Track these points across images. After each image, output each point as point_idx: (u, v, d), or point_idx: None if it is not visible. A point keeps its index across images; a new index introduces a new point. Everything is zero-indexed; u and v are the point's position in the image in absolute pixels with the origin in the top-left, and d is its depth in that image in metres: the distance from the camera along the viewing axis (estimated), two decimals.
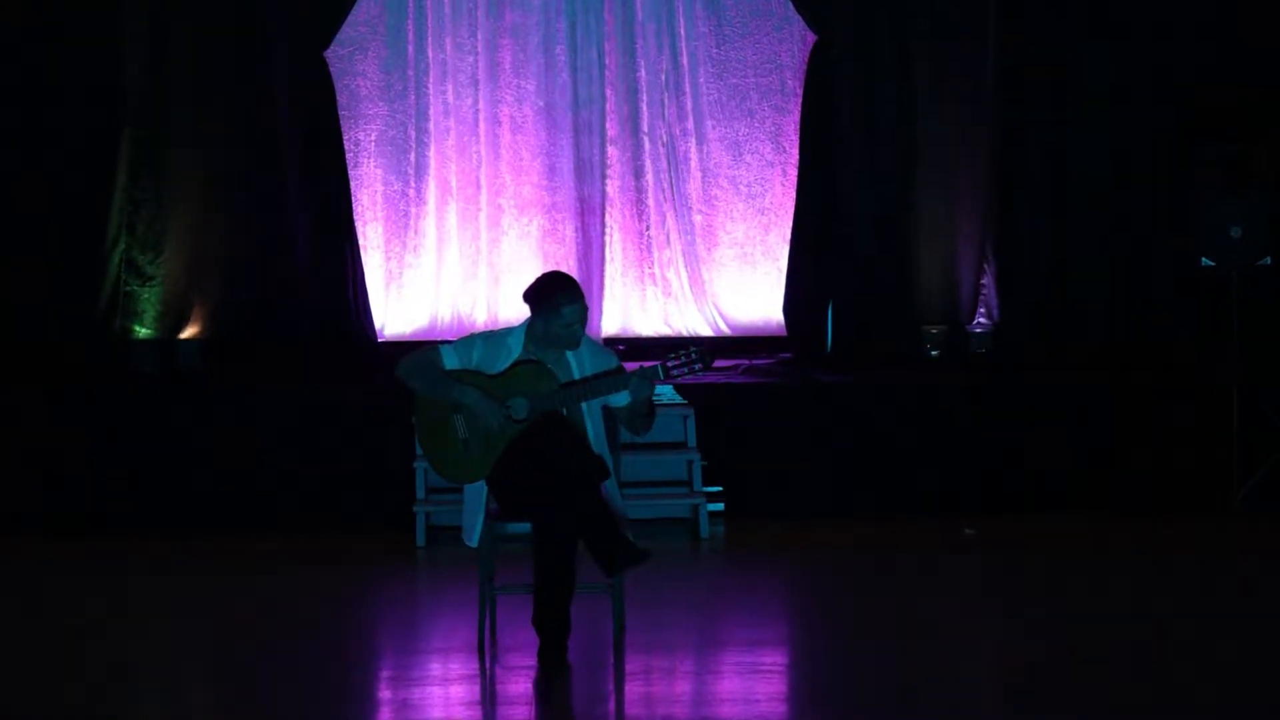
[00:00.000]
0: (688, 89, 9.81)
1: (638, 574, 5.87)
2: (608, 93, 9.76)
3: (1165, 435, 8.77)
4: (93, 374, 9.04)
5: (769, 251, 9.89)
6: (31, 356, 9.07)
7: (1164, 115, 9.40)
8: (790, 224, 9.66)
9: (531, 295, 5.83)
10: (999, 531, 8.25)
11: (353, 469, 8.54)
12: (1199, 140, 9.32)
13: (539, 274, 6.02)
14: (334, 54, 9.54)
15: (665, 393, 8.56)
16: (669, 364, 5.79)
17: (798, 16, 9.65)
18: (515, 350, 5.84)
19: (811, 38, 9.59)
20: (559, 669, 5.67)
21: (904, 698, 5.42)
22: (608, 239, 9.84)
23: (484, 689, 5.66)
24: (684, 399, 8.55)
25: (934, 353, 9.46)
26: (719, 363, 8.90)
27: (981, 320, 9.59)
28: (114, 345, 9.29)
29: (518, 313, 9.45)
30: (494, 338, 5.92)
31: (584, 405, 5.85)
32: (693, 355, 5.78)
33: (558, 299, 5.76)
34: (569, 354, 5.87)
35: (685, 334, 9.79)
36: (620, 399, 5.87)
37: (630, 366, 5.92)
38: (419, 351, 5.89)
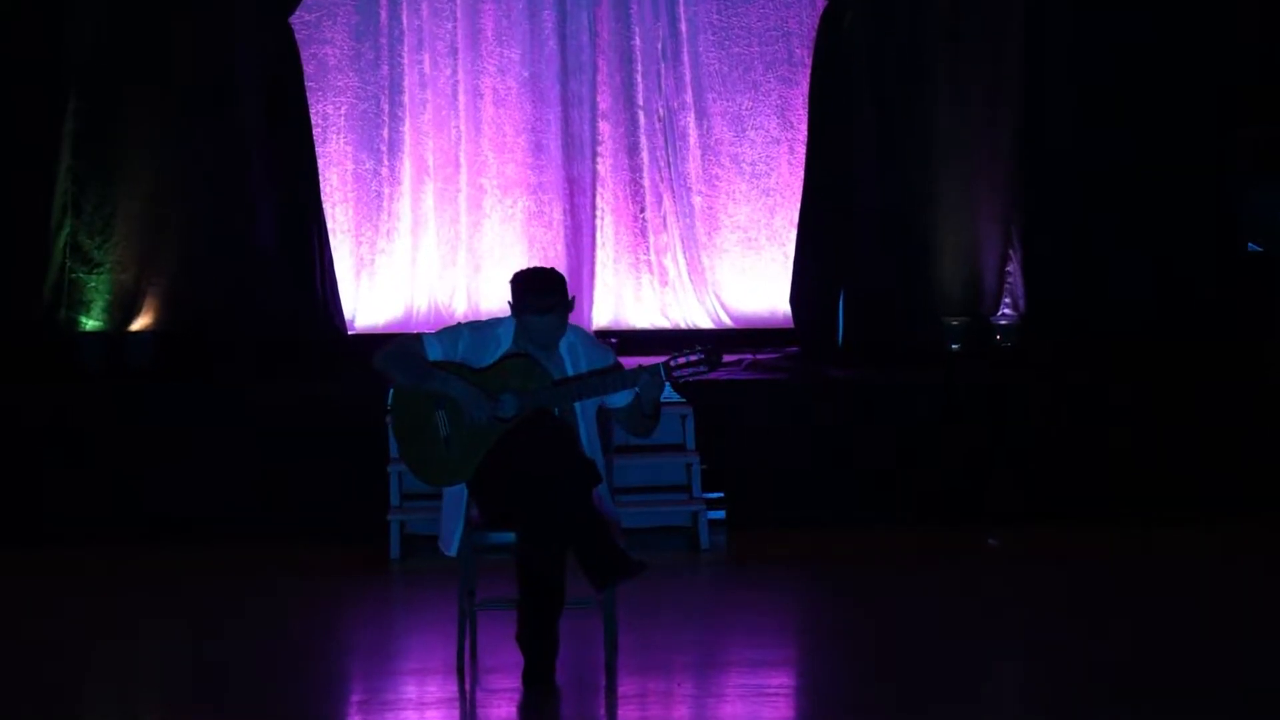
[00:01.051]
0: (686, 59, 9.78)
1: (632, 588, 5.83)
2: (599, 62, 9.74)
3: (1207, 435, 8.75)
4: (34, 370, 8.98)
5: (774, 236, 9.86)
6: None
7: (1200, 93, 9.36)
8: (798, 206, 9.63)
9: (512, 285, 5.79)
10: (1025, 541, 8.24)
11: (320, 473, 8.50)
12: (1236, 122, 9.29)
13: (527, 266, 5.97)
14: (299, 20, 9.51)
15: None
16: (673, 363, 5.71)
17: None
18: (505, 342, 5.82)
19: (822, 3, 9.58)
20: (545, 692, 5.64)
21: None
22: (599, 222, 9.82)
23: (463, 714, 5.64)
24: (682, 397, 8.52)
25: (955, 347, 9.43)
26: None
27: (1006, 311, 9.56)
28: (58, 339, 9.23)
29: (501, 303, 9.50)
30: (481, 328, 5.89)
31: (577, 405, 5.81)
32: (699, 355, 5.70)
33: (527, 302, 5.71)
34: (563, 348, 5.84)
35: (683, 326, 9.79)
36: (618, 399, 5.84)
37: (627, 364, 5.86)
38: (399, 340, 5.88)
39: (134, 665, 6.31)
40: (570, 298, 5.77)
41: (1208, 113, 9.37)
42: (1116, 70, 9.42)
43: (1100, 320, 9.41)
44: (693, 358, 5.69)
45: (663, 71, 9.80)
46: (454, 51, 9.75)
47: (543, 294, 5.72)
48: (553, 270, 5.87)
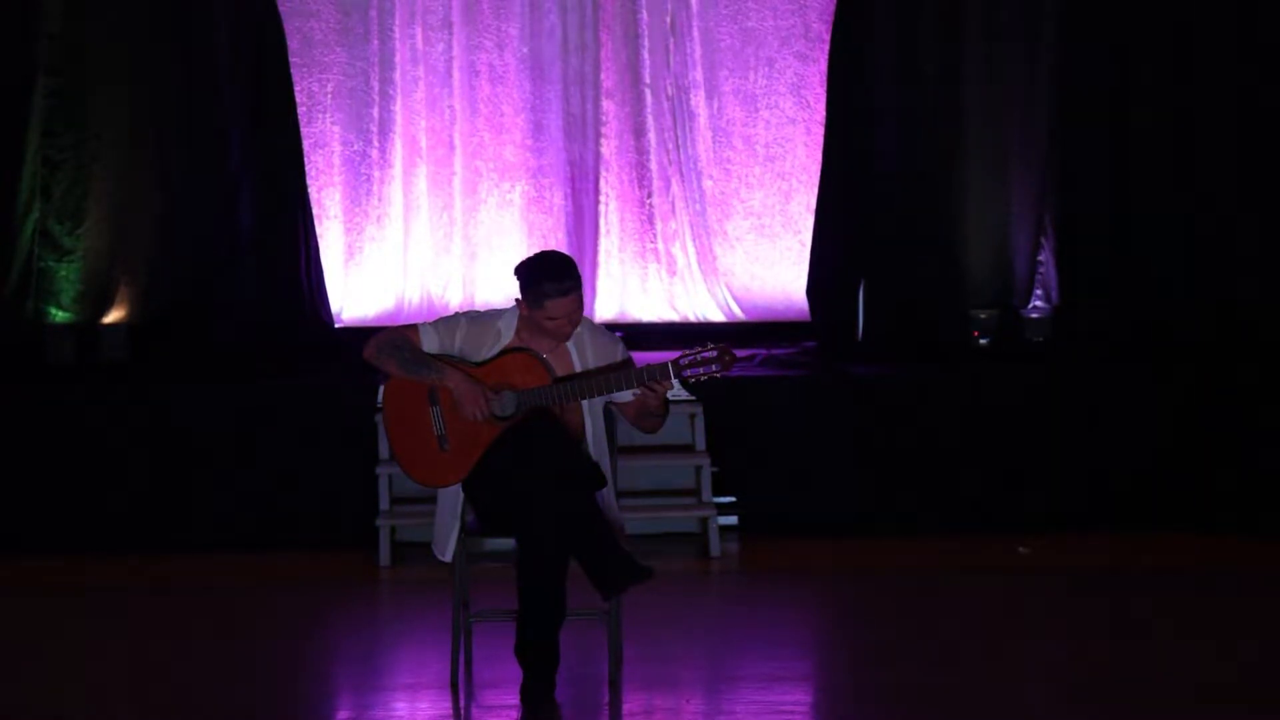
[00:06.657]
0: (696, 33, 9.79)
1: (638, 598, 5.85)
2: (603, 37, 9.75)
3: (1257, 438, 8.69)
4: None
5: (790, 223, 9.88)
6: None
7: (1247, 66, 9.33)
8: (815, 191, 9.64)
9: (519, 273, 5.81)
10: (1058, 551, 8.24)
11: (305, 475, 8.53)
12: None
13: (538, 250, 5.99)
14: None
15: None
16: (682, 362, 5.69)
17: None
18: (505, 336, 5.84)
19: None
20: (545, 708, 5.65)
21: None
22: (603, 208, 9.83)
23: None
24: (692, 395, 8.51)
25: (983, 341, 9.44)
26: None
27: (1039, 303, 9.57)
28: (25, 331, 9.25)
29: (498, 293, 9.57)
30: (481, 319, 5.91)
31: (584, 401, 5.81)
32: (711, 354, 5.67)
33: (544, 287, 5.71)
34: (569, 341, 5.84)
35: (693, 319, 9.80)
36: (624, 393, 5.82)
37: (636, 357, 5.87)
38: (393, 329, 5.92)
39: (103, 679, 6.32)
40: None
41: (1258, 83, 9.33)
42: (1159, 39, 9.38)
43: (1142, 311, 9.37)
44: (704, 355, 5.66)
45: (671, 47, 9.81)
46: (448, 25, 9.77)
47: (563, 273, 5.74)
48: (561, 252, 5.93)
